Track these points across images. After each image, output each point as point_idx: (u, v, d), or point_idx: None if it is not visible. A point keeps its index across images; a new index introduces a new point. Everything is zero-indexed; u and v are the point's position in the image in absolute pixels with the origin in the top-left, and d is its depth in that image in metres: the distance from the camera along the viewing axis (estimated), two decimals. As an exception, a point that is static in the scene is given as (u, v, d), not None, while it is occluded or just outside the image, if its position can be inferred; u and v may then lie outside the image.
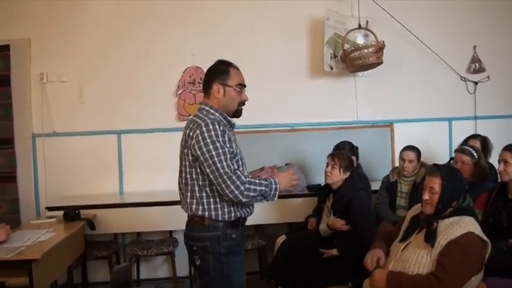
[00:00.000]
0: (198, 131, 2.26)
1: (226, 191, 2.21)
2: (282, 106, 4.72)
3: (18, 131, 4.48)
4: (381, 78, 4.69)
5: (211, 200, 2.33)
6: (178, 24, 4.63)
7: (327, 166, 3.36)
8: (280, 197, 4.11)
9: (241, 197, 2.23)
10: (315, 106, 4.75)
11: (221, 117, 2.40)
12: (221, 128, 2.28)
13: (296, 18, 4.69)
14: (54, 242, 3.22)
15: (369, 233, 3.04)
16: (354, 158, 3.92)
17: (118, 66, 4.61)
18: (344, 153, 3.47)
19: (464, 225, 2.26)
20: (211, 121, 2.28)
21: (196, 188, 2.34)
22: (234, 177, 2.20)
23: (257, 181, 2.28)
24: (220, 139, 2.25)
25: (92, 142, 4.59)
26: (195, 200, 2.35)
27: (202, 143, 2.23)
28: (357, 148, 4.01)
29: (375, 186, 4.13)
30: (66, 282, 4.23)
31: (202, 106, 2.44)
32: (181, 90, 4.64)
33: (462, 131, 4.52)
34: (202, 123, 2.27)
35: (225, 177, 2.19)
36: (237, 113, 2.49)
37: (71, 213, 3.84)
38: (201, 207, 2.34)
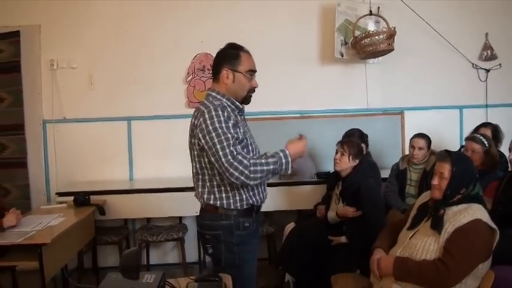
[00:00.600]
0: (201, 119, 2.20)
1: (232, 179, 2.14)
2: (291, 93, 4.70)
3: (28, 117, 4.50)
4: (391, 65, 4.65)
5: (222, 188, 2.28)
6: (189, 10, 4.60)
7: (336, 153, 3.34)
8: (289, 184, 4.24)
9: (248, 181, 2.16)
10: (325, 93, 4.72)
11: (229, 103, 2.33)
12: (225, 114, 2.20)
13: (307, 4, 4.64)
14: (64, 227, 3.26)
15: (377, 221, 3.03)
16: (363, 145, 3.91)
17: (128, 52, 4.60)
18: (353, 140, 3.44)
19: (472, 213, 2.24)
20: (214, 107, 2.21)
21: (207, 177, 2.30)
22: (235, 163, 2.12)
23: (263, 161, 2.18)
24: (223, 125, 2.17)
25: (102, 128, 4.61)
26: (206, 189, 2.31)
27: (205, 131, 2.17)
28: (366, 136, 3.97)
29: (385, 174, 4.10)
30: (77, 266, 4.31)
31: (210, 92, 2.37)
32: (190, 76, 4.63)
33: (473, 119, 4.49)
34: (205, 110, 2.21)
35: (226, 165, 2.12)
36: (246, 100, 2.40)
37: (81, 199, 3.88)
38: (212, 196, 2.30)
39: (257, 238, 2.50)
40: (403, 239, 2.46)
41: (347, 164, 3.29)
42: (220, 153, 2.13)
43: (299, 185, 4.29)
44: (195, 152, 2.29)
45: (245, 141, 2.27)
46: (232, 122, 2.22)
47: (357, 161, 3.30)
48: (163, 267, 4.55)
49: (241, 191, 2.30)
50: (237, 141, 2.18)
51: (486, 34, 4.75)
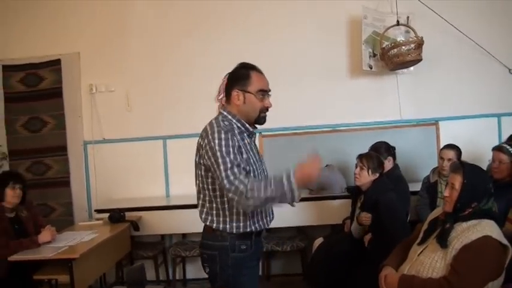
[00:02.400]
0: (206, 140, 2.19)
1: (232, 203, 2.15)
2: (322, 107, 4.71)
3: (70, 139, 4.83)
4: (424, 75, 4.56)
5: (221, 212, 2.25)
6: (221, 32, 4.77)
7: (356, 167, 3.33)
8: (319, 198, 4.23)
9: (245, 209, 2.13)
10: (356, 106, 4.69)
11: (239, 124, 2.28)
12: (230, 136, 2.17)
13: (334, 18, 4.67)
14: (95, 243, 3.45)
15: (396, 234, 2.96)
16: (390, 158, 3.87)
17: (162, 74, 4.82)
18: (373, 154, 3.42)
19: (481, 229, 2.16)
20: (219, 129, 2.18)
21: (207, 198, 2.28)
22: (233, 189, 2.08)
23: (262, 185, 2.07)
24: (224, 149, 2.13)
25: (139, 148, 4.83)
26: (205, 209, 2.30)
27: (210, 153, 2.15)
28: (394, 148, 3.91)
29: (419, 187, 4.04)
30: (115, 280, 4.50)
31: (222, 110, 2.34)
32: (222, 95, 4.74)
33: None
34: (209, 131, 2.20)
35: (226, 188, 2.10)
36: (260, 120, 2.33)
37: (116, 216, 4.08)
38: (210, 217, 2.28)
39: (256, 261, 2.40)
40: (412, 256, 2.41)
41: (366, 178, 3.27)
42: (223, 174, 2.11)
43: (329, 200, 4.27)
44: (200, 172, 2.28)
45: (249, 166, 2.21)
46: (237, 144, 2.18)
47: (377, 175, 3.27)
48: (199, 281, 4.65)
49: (240, 217, 2.25)
50: (237, 165, 2.14)
51: (522, 37, 4.56)
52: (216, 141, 2.14)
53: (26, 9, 4.89)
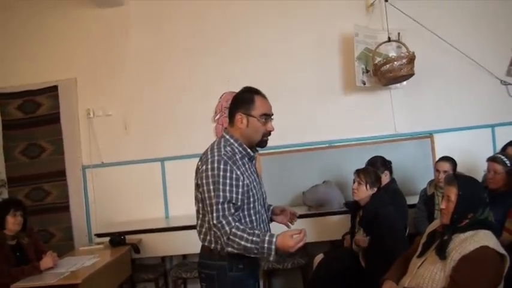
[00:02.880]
0: (204, 167, 2.22)
1: (217, 234, 2.19)
2: (317, 123, 4.77)
3: (69, 164, 4.87)
4: (417, 89, 4.61)
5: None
6: (214, 52, 4.84)
7: (354, 183, 3.36)
8: (318, 215, 4.25)
9: (225, 247, 2.18)
10: (351, 122, 4.74)
11: (240, 148, 2.31)
12: (229, 168, 2.19)
13: (326, 37, 4.74)
14: (97, 267, 3.47)
15: (396, 248, 2.98)
16: (387, 172, 3.90)
17: (159, 96, 4.89)
18: (370, 169, 3.46)
19: (478, 240, 2.20)
20: (219, 158, 2.20)
21: (206, 219, 2.28)
22: (219, 226, 2.15)
23: (245, 236, 2.13)
24: (221, 180, 2.17)
25: (137, 170, 4.86)
26: (203, 230, 2.33)
27: (205, 181, 2.20)
28: (390, 162, 3.96)
29: (416, 200, 4.06)
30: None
31: (224, 133, 2.36)
32: (218, 115, 4.81)
33: (506, 137, 4.28)
34: (209, 160, 2.21)
35: (215, 221, 2.15)
36: (261, 144, 2.38)
37: (117, 239, 4.09)
38: (208, 237, 2.30)
39: (254, 279, 2.43)
40: (412, 268, 2.44)
41: (364, 192, 3.31)
42: (211, 208, 2.17)
43: (328, 216, 4.28)
44: (199, 195, 2.30)
45: (247, 195, 2.25)
46: (235, 174, 2.21)
47: (375, 189, 3.31)
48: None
49: None
50: (231, 204, 2.18)
51: (512, 49, 4.64)
52: (215, 172, 2.18)
53: (23, 36, 4.99)
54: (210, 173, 2.18)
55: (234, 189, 2.19)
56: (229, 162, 2.21)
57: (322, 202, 4.36)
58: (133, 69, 4.89)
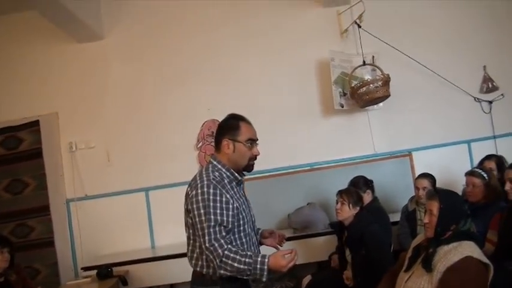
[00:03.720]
0: (194, 192, 2.25)
1: (209, 257, 2.21)
2: (299, 147, 4.85)
3: (52, 198, 4.84)
4: (394, 109, 4.75)
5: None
6: (194, 82, 4.93)
7: (337, 203, 3.42)
8: (303, 237, 4.29)
9: (218, 270, 2.19)
10: (331, 144, 4.84)
11: (228, 173, 2.37)
12: (218, 192, 2.23)
13: (304, 63, 4.88)
14: (86, 302, 3.43)
15: (384, 265, 3.03)
16: (369, 191, 3.98)
17: (141, 127, 4.93)
18: (351, 189, 3.52)
19: (462, 250, 2.26)
20: (208, 183, 2.24)
21: (198, 244, 2.30)
22: (211, 248, 2.17)
23: (237, 257, 2.16)
24: (211, 204, 2.20)
25: (121, 201, 4.86)
26: (194, 255, 2.34)
27: (195, 206, 2.23)
28: (371, 181, 4.02)
29: (398, 217, 4.13)
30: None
31: (212, 159, 2.42)
32: (201, 143, 4.86)
33: (482, 151, 4.42)
34: (199, 185, 2.25)
35: (207, 244, 2.17)
36: (248, 168, 2.44)
37: (104, 272, 4.05)
38: (200, 262, 2.31)
39: None
40: (400, 283, 2.49)
41: (348, 212, 3.35)
42: (202, 232, 2.20)
43: (314, 237, 4.32)
44: (189, 220, 2.33)
45: (237, 218, 2.29)
46: (224, 198, 2.24)
47: (358, 208, 3.36)
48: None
49: None
50: (222, 227, 2.22)
51: (484, 67, 4.80)
52: (205, 196, 2.22)
53: (3, 71, 5.01)
54: (200, 197, 2.22)
55: (225, 212, 2.23)
56: (219, 186, 2.26)
57: (307, 224, 4.40)
58: (114, 101, 4.94)
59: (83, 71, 4.97)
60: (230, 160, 2.39)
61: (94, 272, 4.15)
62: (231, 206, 2.26)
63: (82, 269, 4.39)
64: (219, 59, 4.93)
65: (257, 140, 2.46)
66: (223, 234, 2.21)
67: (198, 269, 2.32)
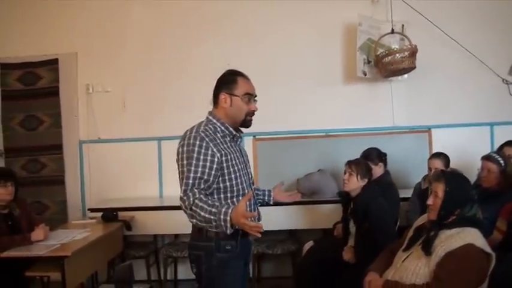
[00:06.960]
0: (180, 143, 2.30)
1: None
2: (315, 112, 4.77)
3: (66, 138, 4.88)
4: (418, 82, 4.61)
5: None
6: (216, 35, 4.81)
7: (345, 174, 3.37)
8: (311, 202, 4.27)
9: (189, 219, 2.21)
10: (349, 112, 4.74)
11: (223, 127, 2.36)
12: (204, 144, 2.23)
13: (329, 24, 4.72)
14: (87, 241, 3.50)
15: (385, 240, 2.99)
16: (381, 164, 3.90)
17: (159, 76, 4.87)
18: (361, 160, 3.46)
19: (464, 237, 2.21)
20: (195, 135, 2.26)
21: None
22: (184, 198, 2.18)
23: (205, 206, 2.13)
24: (195, 155, 2.21)
25: (133, 148, 4.87)
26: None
27: (179, 156, 2.27)
28: (385, 155, 3.94)
29: (410, 193, 4.07)
30: (107, 279, 4.52)
31: (208, 115, 2.42)
32: (217, 98, 4.79)
33: (504, 136, 4.26)
34: (186, 137, 2.29)
35: (180, 196, 2.20)
36: (245, 123, 2.42)
37: (109, 215, 4.12)
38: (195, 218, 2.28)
39: (242, 261, 2.43)
40: (397, 262, 2.45)
41: (355, 184, 3.32)
42: (184, 181, 2.21)
43: (321, 204, 4.32)
44: (181, 175, 2.32)
45: (227, 171, 2.29)
46: (210, 151, 2.23)
47: (366, 181, 3.32)
48: (190, 282, 4.68)
49: None
50: (202, 180, 2.20)
51: (517, 49, 4.59)
52: (190, 148, 2.24)
53: (25, 8, 4.94)
54: (185, 148, 2.25)
55: (208, 164, 2.22)
56: (206, 139, 2.25)
57: (315, 190, 4.37)
58: (133, 45, 4.86)
59: (103, 12, 4.88)
60: (227, 115, 2.39)
61: (99, 214, 4.21)
62: (216, 159, 2.25)
63: (89, 210, 4.47)
64: (244, 13, 4.80)
65: (255, 95, 2.45)
66: (202, 186, 2.21)
67: (194, 221, 2.27)
